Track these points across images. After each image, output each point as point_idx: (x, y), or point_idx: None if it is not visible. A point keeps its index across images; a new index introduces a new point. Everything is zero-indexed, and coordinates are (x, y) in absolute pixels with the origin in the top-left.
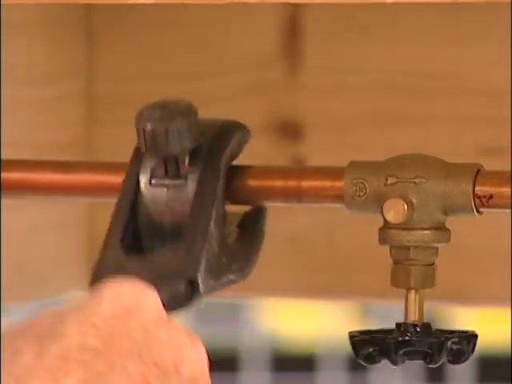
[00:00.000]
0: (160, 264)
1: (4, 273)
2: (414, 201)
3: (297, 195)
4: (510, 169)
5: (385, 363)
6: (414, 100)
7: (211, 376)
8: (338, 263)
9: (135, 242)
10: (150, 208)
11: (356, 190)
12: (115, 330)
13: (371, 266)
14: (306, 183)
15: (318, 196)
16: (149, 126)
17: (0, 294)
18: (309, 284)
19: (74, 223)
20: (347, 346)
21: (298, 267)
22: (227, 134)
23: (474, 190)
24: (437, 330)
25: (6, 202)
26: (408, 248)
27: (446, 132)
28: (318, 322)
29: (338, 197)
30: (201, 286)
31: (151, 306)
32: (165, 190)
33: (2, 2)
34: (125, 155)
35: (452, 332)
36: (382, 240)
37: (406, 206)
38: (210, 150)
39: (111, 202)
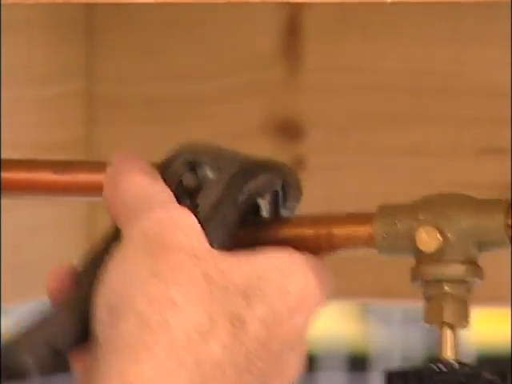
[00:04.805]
0: None
1: (4, 273)
2: (446, 233)
3: (328, 243)
4: (510, 169)
5: (385, 362)
6: (414, 100)
7: None
8: (337, 263)
9: None
10: None
11: (387, 231)
12: None
13: (371, 266)
14: (337, 230)
15: (350, 242)
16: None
17: (0, 293)
18: None
19: (74, 223)
20: (347, 346)
21: None
22: (252, 171)
23: (507, 223)
24: (471, 365)
25: (5, 201)
26: (441, 282)
27: (446, 132)
28: (318, 322)
29: (370, 240)
30: None
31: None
32: None
33: (1, 2)
34: None
35: (486, 365)
36: (414, 276)
37: (439, 235)
38: (229, 184)
39: None
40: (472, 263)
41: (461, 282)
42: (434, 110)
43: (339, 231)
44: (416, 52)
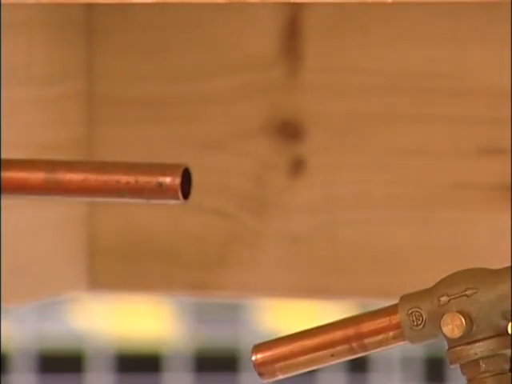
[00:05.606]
0: None
1: (4, 272)
2: (471, 313)
3: (359, 343)
4: (510, 169)
5: (385, 363)
6: (414, 100)
7: (211, 376)
8: (338, 263)
9: None
10: None
11: (413, 320)
12: None
13: (371, 266)
14: (365, 327)
15: (379, 337)
16: None
17: (0, 293)
18: (309, 284)
19: (74, 223)
20: None
21: (298, 267)
22: None
23: None
24: None
25: (5, 201)
26: (477, 361)
27: (446, 132)
28: (317, 322)
29: (397, 331)
30: None
31: None
32: None
33: (1, 2)
34: (125, 155)
35: None
36: (451, 360)
37: (463, 320)
38: None
39: (111, 201)
40: (502, 334)
41: (496, 356)
42: (433, 110)
43: (367, 329)
44: (416, 52)
